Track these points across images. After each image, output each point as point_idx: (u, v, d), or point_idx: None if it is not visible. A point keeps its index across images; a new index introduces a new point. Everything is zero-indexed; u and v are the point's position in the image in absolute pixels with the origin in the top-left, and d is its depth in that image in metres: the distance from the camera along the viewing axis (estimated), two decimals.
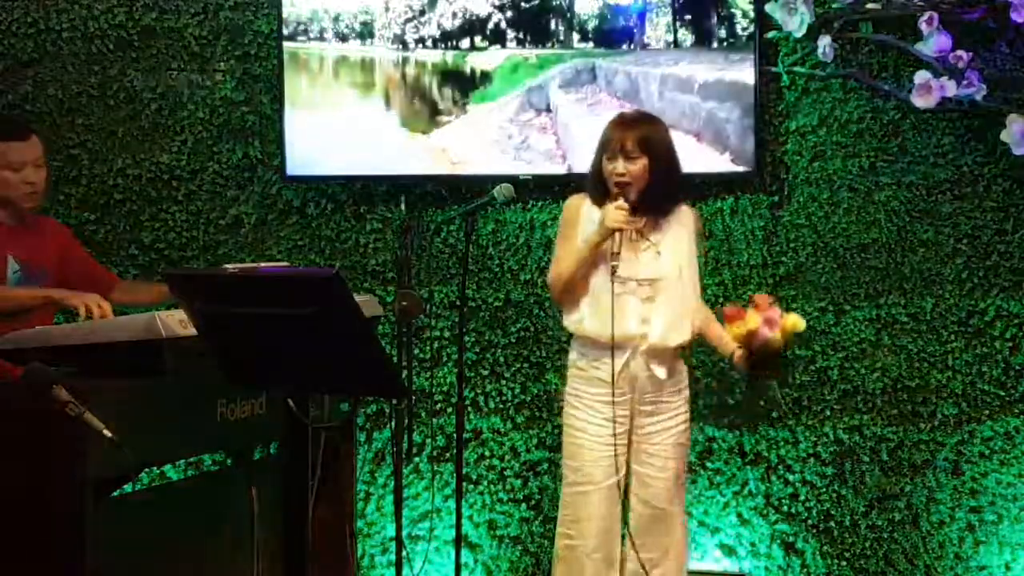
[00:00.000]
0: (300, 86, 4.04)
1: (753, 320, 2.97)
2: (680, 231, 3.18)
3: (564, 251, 3.17)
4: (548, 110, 4.02)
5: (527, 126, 4.02)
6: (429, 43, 4.03)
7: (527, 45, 4.01)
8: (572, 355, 3.22)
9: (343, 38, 4.05)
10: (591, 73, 4.00)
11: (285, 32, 4.04)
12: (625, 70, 3.98)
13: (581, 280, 3.12)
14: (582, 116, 3.98)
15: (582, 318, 3.14)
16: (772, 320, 2.97)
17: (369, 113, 4.05)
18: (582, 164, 3.92)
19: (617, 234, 3.02)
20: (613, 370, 3.06)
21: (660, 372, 3.12)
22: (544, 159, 4.01)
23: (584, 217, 3.17)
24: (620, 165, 3.07)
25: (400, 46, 4.04)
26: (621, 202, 3.04)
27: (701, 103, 3.93)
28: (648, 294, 3.11)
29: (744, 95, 3.94)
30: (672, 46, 3.98)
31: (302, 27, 4.04)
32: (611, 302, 3.03)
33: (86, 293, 3.04)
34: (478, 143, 4.03)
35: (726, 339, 3.13)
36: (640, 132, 3.10)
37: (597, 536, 3.10)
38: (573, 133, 3.99)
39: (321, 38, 4.05)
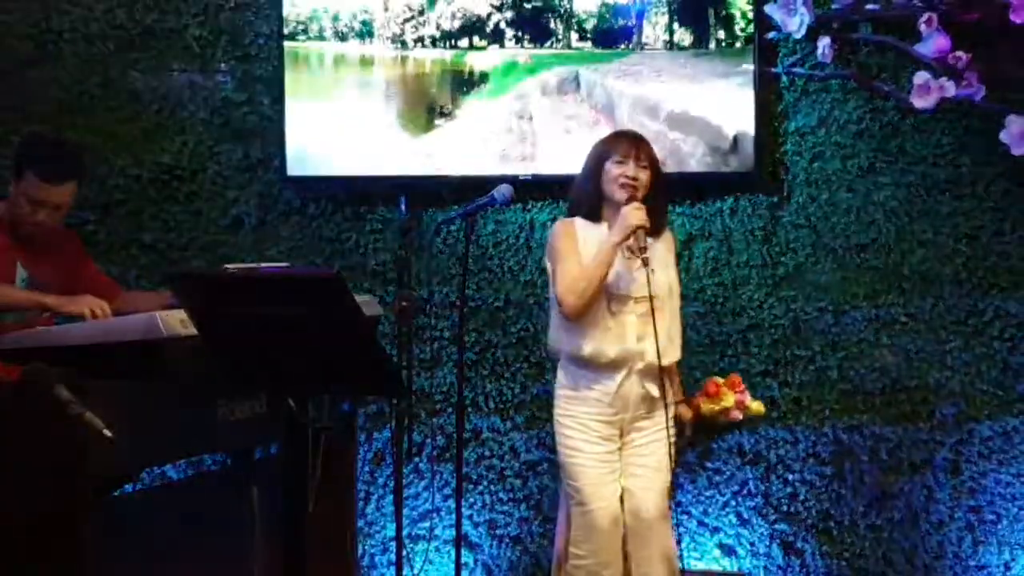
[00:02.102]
0: (300, 86, 4.05)
1: (728, 399, 3.50)
2: (666, 252, 3.25)
3: (573, 265, 3.14)
4: (530, 118, 4.03)
5: (511, 131, 4.03)
6: (428, 43, 4.04)
7: (525, 44, 4.02)
8: (561, 376, 3.22)
9: (342, 37, 4.05)
10: (575, 82, 4.01)
11: (285, 31, 4.04)
12: (604, 83, 3.99)
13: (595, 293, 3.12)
14: (559, 126, 4.00)
15: (579, 339, 3.13)
16: (743, 404, 3.53)
17: (369, 113, 4.06)
18: (553, 171, 3.98)
19: (640, 232, 3.05)
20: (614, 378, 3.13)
21: (654, 390, 3.14)
22: (521, 165, 4.02)
23: (581, 235, 3.18)
24: (632, 169, 3.11)
25: (399, 45, 4.04)
26: (637, 203, 3.07)
27: (667, 132, 3.95)
28: (644, 311, 3.12)
29: (709, 132, 3.97)
30: (670, 47, 3.99)
31: (302, 26, 4.04)
32: (646, 310, 3.12)
33: (82, 296, 3.03)
34: (471, 144, 4.04)
35: (678, 393, 3.36)
36: (647, 147, 3.21)
37: (607, 555, 3.12)
38: (549, 141, 4.01)
39: (321, 37, 4.05)
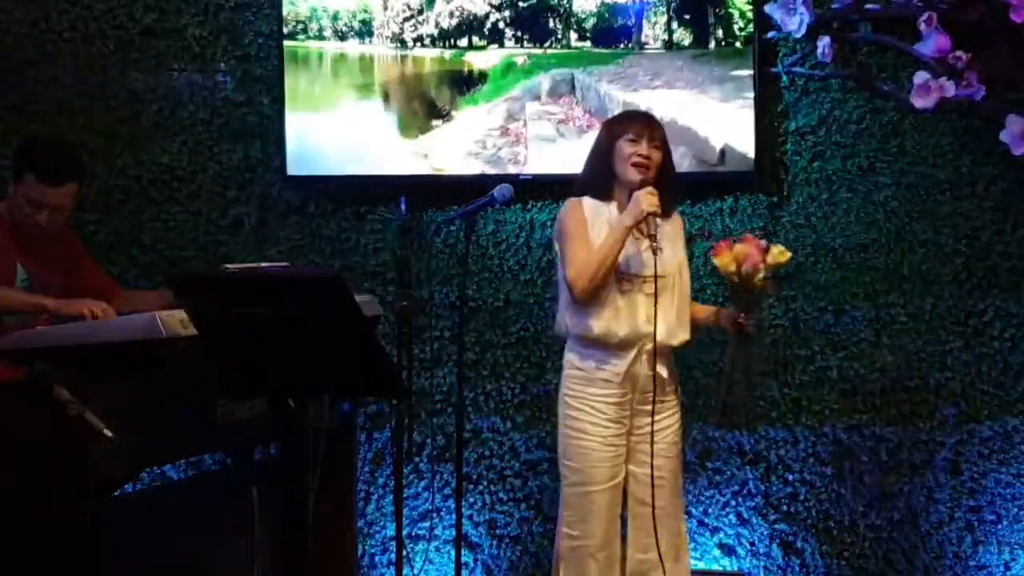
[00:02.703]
0: (300, 86, 4.05)
1: (744, 247, 3.08)
2: (674, 233, 3.23)
3: (583, 247, 3.11)
4: (525, 120, 4.03)
5: (504, 134, 4.03)
6: (427, 42, 4.04)
7: (524, 44, 4.02)
8: (571, 357, 3.20)
9: (342, 36, 4.05)
10: (570, 85, 4.01)
11: (284, 31, 4.04)
12: (598, 87, 3.99)
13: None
14: (553, 129, 4.01)
15: (589, 319, 3.12)
16: (763, 247, 3.10)
17: (368, 113, 4.06)
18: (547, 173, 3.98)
19: (651, 218, 3.03)
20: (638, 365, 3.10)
21: (663, 371, 3.13)
22: (516, 167, 4.02)
23: (591, 216, 3.16)
24: (644, 148, 3.10)
25: (399, 45, 4.05)
26: (651, 188, 3.06)
27: None
28: (652, 291, 3.11)
29: (698, 143, 3.96)
30: (669, 47, 3.99)
31: (301, 26, 4.05)
32: (652, 290, 3.09)
33: (82, 299, 3.03)
34: (469, 145, 4.04)
35: (707, 310, 3.31)
36: (660, 128, 3.18)
37: (602, 536, 3.11)
38: (543, 144, 4.02)
39: (320, 37, 4.05)
